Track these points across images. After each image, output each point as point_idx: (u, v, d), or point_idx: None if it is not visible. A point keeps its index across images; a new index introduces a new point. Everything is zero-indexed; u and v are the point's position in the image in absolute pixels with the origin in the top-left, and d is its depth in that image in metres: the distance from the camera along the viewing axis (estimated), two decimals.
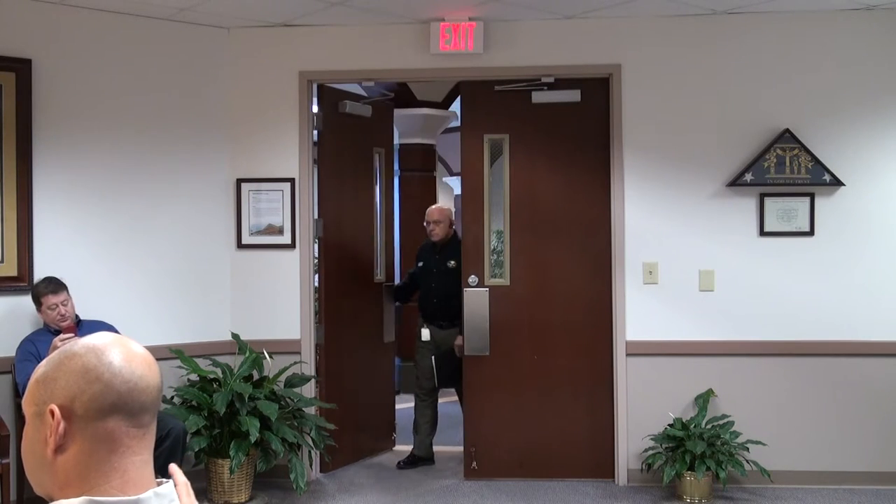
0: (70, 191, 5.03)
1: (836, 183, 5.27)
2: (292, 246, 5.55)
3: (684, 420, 5.20)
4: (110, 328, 4.72)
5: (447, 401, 6.80)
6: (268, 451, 4.86)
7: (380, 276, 6.19)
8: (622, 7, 5.16)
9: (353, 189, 5.96)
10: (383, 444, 6.19)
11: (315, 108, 5.70)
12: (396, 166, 7.87)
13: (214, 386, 5.01)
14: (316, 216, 5.68)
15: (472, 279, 5.58)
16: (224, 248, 5.56)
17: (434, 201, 7.89)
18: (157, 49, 5.32)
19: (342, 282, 5.83)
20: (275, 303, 5.55)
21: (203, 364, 5.16)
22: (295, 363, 5.31)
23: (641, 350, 5.40)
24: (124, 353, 1.27)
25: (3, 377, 4.76)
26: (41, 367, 1.30)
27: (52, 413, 1.23)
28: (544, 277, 5.59)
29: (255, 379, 5.14)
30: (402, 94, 7.65)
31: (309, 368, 5.51)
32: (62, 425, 1.23)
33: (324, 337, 5.67)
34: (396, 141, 7.73)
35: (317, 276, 5.77)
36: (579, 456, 5.52)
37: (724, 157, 5.37)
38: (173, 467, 1.35)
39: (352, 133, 5.90)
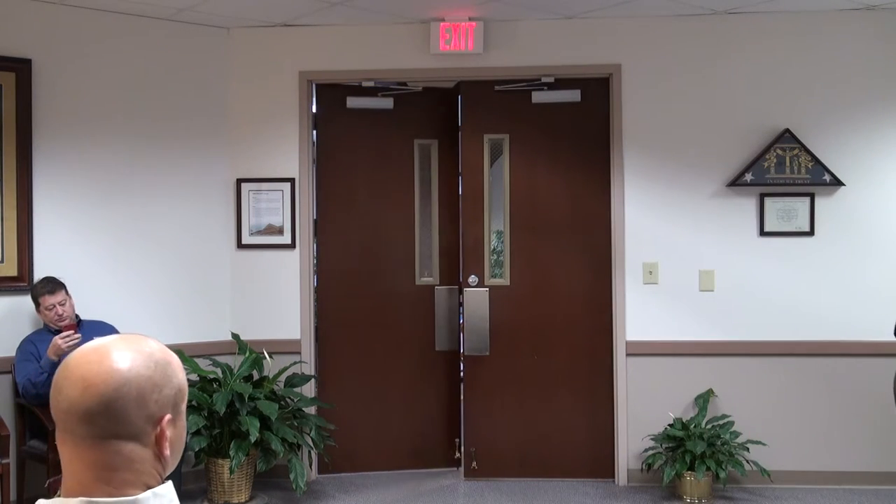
0: (70, 191, 5.03)
1: (836, 183, 5.27)
2: (292, 246, 5.55)
3: (684, 420, 5.20)
4: (111, 328, 4.72)
5: None
6: (268, 451, 4.86)
7: (428, 277, 5.77)
8: (622, 7, 5.16)
9: (372, 186, 5.74)
10: (422, 461, 5.75)
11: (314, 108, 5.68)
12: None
13: (214, 386, 5.01)
14: (315, 216, 5.67)
15: (472, 279, 5.58)
16: (224, 248, 5.56)
17: None
18: (157, 49, 5.32)
19: (353, 284, 5.70)
20: (275, 303, 5.55)
21: (203, 364, 5.16)
22: (295, 363, 5.31)
23: (641, 350, 5.40)
24: (68, 362, 1.27)
25: (3, 377, 4.75)
26: None
27: None
28: (544, 277, 5.59)
29: (255, 379, 5.14)
30: None
31: (309, 368, 5.51)
32: None
33: (319, 339, 5.66)
34: None
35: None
36: (579, 456, 5.52)
37: (724, 157, 5.37)
38: None
39: (367, 128, 5.71)
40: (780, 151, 5.29)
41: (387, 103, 5.65)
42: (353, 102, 5.64)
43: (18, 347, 4.66)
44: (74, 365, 1.25)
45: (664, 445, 5.15)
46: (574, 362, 5.55)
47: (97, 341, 1.30)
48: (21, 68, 4.83)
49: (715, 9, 5.25)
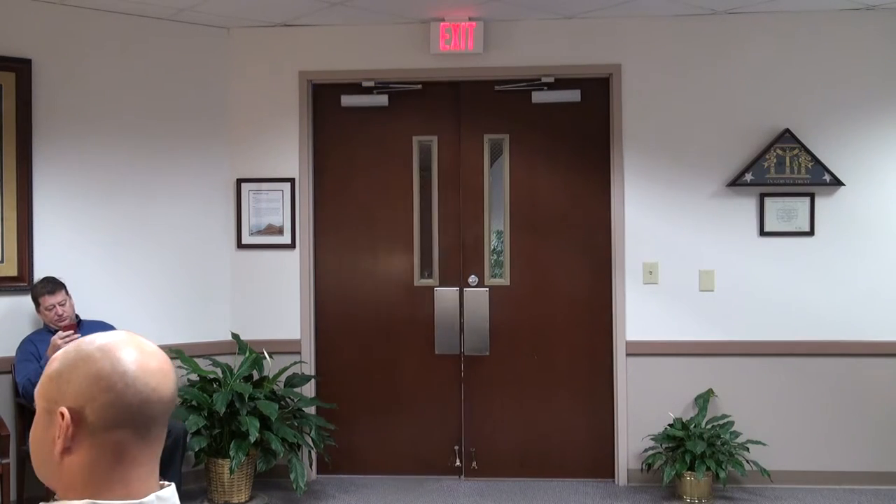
0: (70, 191, 5.04)
1: (836, 183, 5.27)
2: (292, 246, 5.55)
3: (684, 420, 5.20)
4: (110, 328, 4.72)
5: None
6: (268, 451, 4.86)
7: (427, 278, 5.65)
8: (622, 7, 5.16)
9: (371, 185, 5.67)
10: (421, 467, 5.64)
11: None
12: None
13: (214, 386, 5.01)
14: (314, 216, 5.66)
15: (472, 279, 5.58)
16: (224, 248, 5.57)
17: None
18: (157, 49, 5.32)
19: (352, 285, 5.68)
20: (275, 303, 5.55)
21: (203, 364, 5.16)
22: (295, 363, 5.31)
23: (641, 350, 5.41)
24: (140, 362, 1.24)
25: (3, 377, 4.76)
26: (55, 362, 1.26)
27: (63, 415, 1.21)
28: (544, 277, 5.59)
29: (255, 379, 5.14)
30: None
31: (309, 368, 5.52)
32: (70, 429, 1.21)
33: (319, 339, 5.66)
34: None
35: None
36: (579, 456, 5.53)
37: (724, 157, 5.37)
38: None
39: (365, 126, 5.66)
40: (780, 151, 5.29)
41: (381, 101, 5.58)
42: (347, 101, 5.60)
43: (18, 347, 4.66)
44: (144, 354, 1.26)
45: (664, 445, 5.15)
46: (574, 362, 5.55)
47: (114, 336, 1.28)
48: (21, 68, 4.83)
49: (715, 9, 5.25)
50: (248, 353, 5.18)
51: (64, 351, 1.28)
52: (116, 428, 1.22)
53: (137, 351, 1.26)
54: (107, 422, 1.21)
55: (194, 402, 4.87)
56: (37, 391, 1.28)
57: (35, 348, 4.57)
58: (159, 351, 1.30)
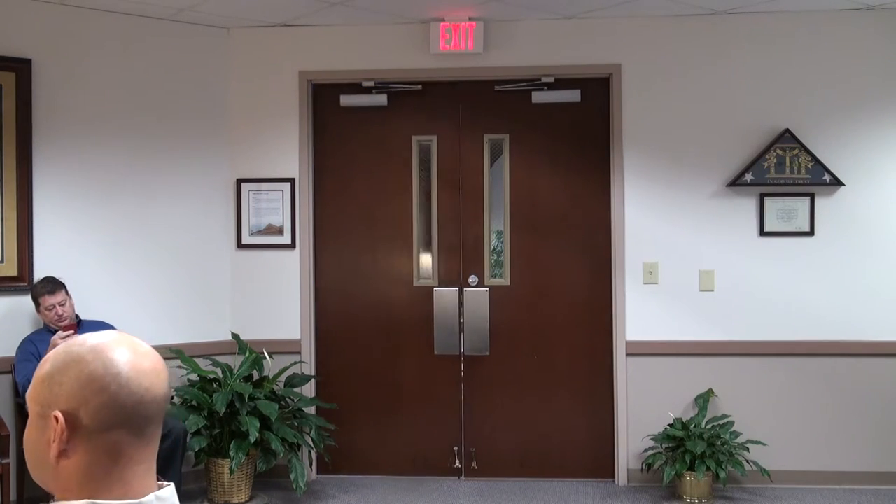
0: (70, 191, 5.04)
1: (836, 183, 5.27)
2: (292, 246, 5.55)
3: (684, 420, 5.20)
4: (110, 328, 4.72)
5: None
6: (268, 451, 4.86)
7: (427, 279, 5.64)
8: (622, 7, 5.16)
9: (370, 185, 5.68)
10: (421, 468, 5.64)
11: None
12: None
13: (214, 386, 5.01)
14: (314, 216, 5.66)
15: (472, 279, 5.58)
16: (224, 248, 5.57)
17: None
18: (157, 49, 5.32)
19: (352, 285, 5.68)
20: (275, 303, 5.55)
21: (203, 364, 5.16)
22: (295, 363, 5.31)
23: (641, 350, 5.41)
24: (133, 362, 1.23)
25: (3, 377, 4.76)
26: (46, 364, 1.25)
27: (57, 419, 1.20)
28: (544, 277, 5.59)
29: (255, 379, 5.14)
30: None
31: (309, 368, 5.52)
32: (65, 433, 1.20)
33: (319, 339, 5.66)
34: None
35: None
36: (579, 456, 5.53)
37: (724, 157, 5.37)
38: None
39: (364, 126, 5.65)
40: (780, 151, 5.29)
41: (380, 100, 5.57)
42: (346, 101, 5.59)
43: (18, 347, 4.66)
44: (136, 354, 1.24)
45: (664, 445, 5.15)
46: (574, 362, 5.55)
47: (106, 336, 1.27)
48: (21, 68, 4.83)
49: (715, 9, 5.25)
50: (248, 353, 5.18)
51: (54, 352, 1.26)
52: (112, 429, 1.21)
53: (130, 351, 1.24)
54: (102, 424, 1.20)
55: (194, 402, 4.87)
56: (28, 394, 1.26)
57: (35, 348, 4.57)
58: (152, 350, 1.29)
